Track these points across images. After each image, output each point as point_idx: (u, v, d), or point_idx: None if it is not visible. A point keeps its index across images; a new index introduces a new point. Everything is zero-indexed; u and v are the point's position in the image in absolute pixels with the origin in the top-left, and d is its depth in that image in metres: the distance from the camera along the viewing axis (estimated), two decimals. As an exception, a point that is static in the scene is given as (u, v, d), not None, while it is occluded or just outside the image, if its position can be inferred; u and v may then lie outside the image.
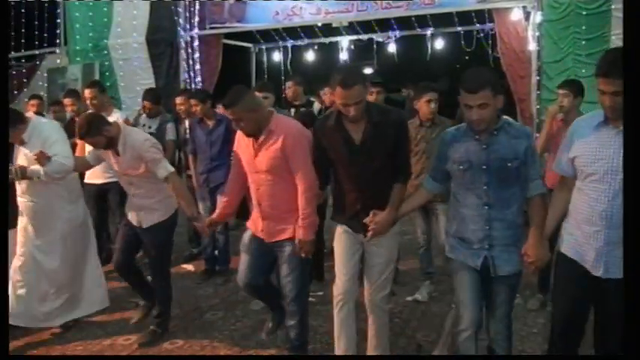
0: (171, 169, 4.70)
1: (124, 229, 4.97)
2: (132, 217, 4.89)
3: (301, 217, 3.99)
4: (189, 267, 6.82)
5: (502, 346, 3.54)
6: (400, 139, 3.83)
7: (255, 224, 4.25)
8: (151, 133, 6.77)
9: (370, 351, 4.08)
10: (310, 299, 5.62)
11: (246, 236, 4.33)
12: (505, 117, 3.48)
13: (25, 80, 12.38)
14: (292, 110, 6.90)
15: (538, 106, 8.14)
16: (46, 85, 11.79)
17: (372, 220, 3.79)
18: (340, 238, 4.03)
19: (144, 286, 5.12)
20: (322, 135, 3.93)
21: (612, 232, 3.07)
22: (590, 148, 3.15)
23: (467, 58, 12.25)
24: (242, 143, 4.19)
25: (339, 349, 4.04)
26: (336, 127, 3.83)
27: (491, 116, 3.32)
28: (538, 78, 8.17)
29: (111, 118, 6.46)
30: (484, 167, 3.40)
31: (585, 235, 3.19)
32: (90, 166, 5.27)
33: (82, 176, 6.42)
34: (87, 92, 6.69)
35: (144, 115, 7.11)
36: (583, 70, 7.66)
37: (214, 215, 4.54)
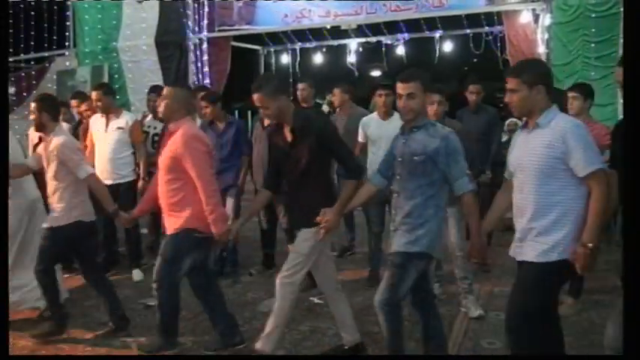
0: (91, 170, 4.86)
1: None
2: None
3: (207, 214, 4.26)
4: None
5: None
6: (326, 142, 4.07)
7: None
8: (156, 134, 6.81)
9: (268, 326, 4.29)
10: (319, 301, 5.64)
11: None
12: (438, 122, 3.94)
13: (34, 82, 12.42)
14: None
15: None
16: (55, 87, 11.82)
17: (322, 218, 4.03)
18: None
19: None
20: (270, 137, 4.39)
21: (522, 221, 3.43)
22: (512, 150, 3.59)
23: (475, 60, 12.24)
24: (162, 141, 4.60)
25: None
26: (276, 130, 4.28)
27: (418, 108, 3.76)
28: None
29: (121, 121, 6.51)
30: (400, 160, 3.86)
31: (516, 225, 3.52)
32: (29, 171, 5.27)
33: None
34: (93, 94, 6.73)
35: (150, 117, 7.11)
36: (592, 73, 7.65)
37: (135, 211, 4.83)
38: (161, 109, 4.45)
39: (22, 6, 12.33)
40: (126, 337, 4.98)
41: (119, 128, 6.54)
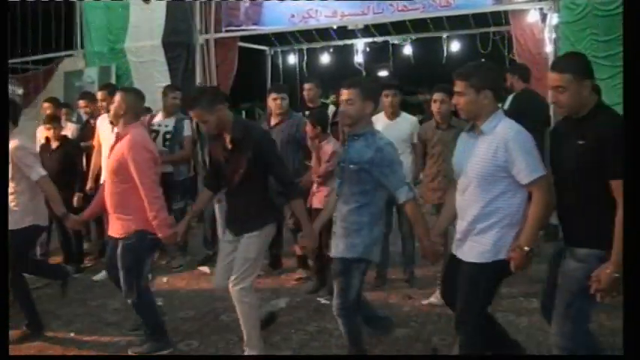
0: (43, 172, 4.85)
1: None
2: None
3: (151, 220, 4.37)
4: (205, 269, 6.82)
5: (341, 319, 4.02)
6: (262, 156, 4.14)
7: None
8: (167, 132, 6.81)
9: (243, 330, 4.35)
10: (326, 302, 5.64)
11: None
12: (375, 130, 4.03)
13: (42, 83, 12.47)
14: (307, 112, 6.89)
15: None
16: (62, 87, 11.86)
17: (301, 247, 4.46)
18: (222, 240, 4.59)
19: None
20: (211, 142, 4.49)
21: (463, 223, 3.57)
22: (456, 152, 3.69)
23: (483, 60, 12.21)
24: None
25: None
26: (217, 136, 4.30)
27: (355, 115, 3.86)
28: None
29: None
30: (342, 165, 3.99)
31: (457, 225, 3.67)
32: None
33: (97, 179, 6.46)
34: (99, 94, 6.76)
35: (159, 116, 7.11)
36: (600, 73, 7.60)
37: (84, 213, 4.96)
38: (111, 113, 4.65)
39: (29, 7, 12.38)
40: (132, 338, 4.99)
41: None
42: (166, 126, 6.91)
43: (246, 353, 4.37)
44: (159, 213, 4.37)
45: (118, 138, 4.53)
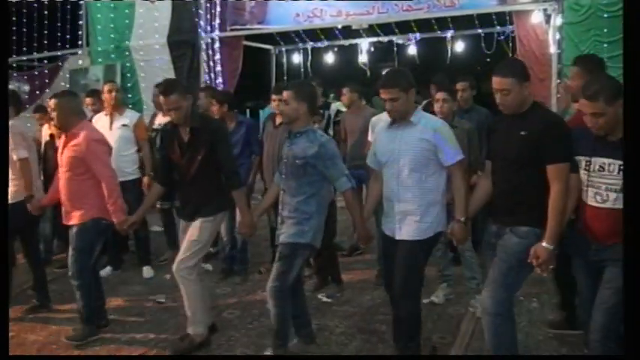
0: (23, 155, 5.32)
1: None
2: None
3: (109, 206, 4.77)
4: (208, 266, 6.84)
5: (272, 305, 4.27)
6: (217, 144, 4.53)
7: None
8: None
9: (187, 310, 4.68)
10: (327, 300, 5.67)
11: None
12: (316, 127, 4.43)
13: (47, 81, 12.50)
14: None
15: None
16: (68, 85, 11.89)
17: (240, 230, 4.72)
18: (182, 232, 4.75)
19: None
20: (164, 137, 4.83)
21: (401, 205, 4.01)
22: (381, 144, 4.16)
23: (488, 60, 12.21)
24: (60, 142, 5.02)
25: None
26: (172, 130, 4.68)
27: (293, 114, 4.20)
28: (558, 81, 8.11)
29: (125, 118, 6.57)
30: (285, 160, 4.29)
31: (388, 210, 4.13)
32: None
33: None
34: (105, 87, 6.82)
35: (160, 116, 7.14)
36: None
37: (43, 200, 5.34)
38: (54, 122, 5.05)
39: (35, 5, 12.42)
40: (135, 334, 5.03)
41: (123, 125, 6.61)
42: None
43: (189, 331, 4.68)
44: (117, 199, 4.79)
45: (71, 136, 4.85)
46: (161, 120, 7.03)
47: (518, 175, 3.59)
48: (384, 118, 5.91)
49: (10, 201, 5.11)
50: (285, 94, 4.26)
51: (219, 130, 4.70)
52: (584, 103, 3.32)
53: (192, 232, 4.57)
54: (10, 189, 5.23)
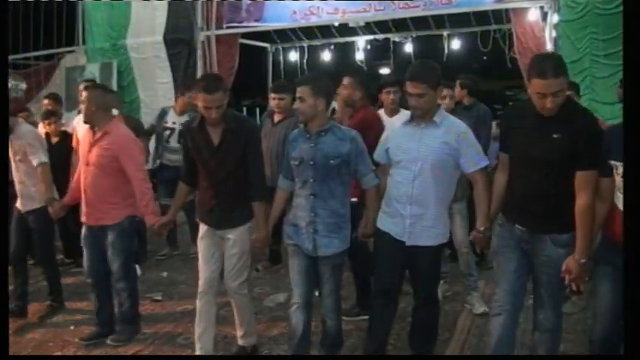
0: (44, 160, 5.24)
1: (14, 218, 5.40)
2: (18, 203, 5.43)
3: (142, 208, 4.67)
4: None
5: (331, 318, 4.13)
6: (250, 147, 4.21)
7: (83, 211, 4.85)
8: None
9: (237, 325, 4.58)
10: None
11: (84, 231, 4.90)
12: (334, 122, 4.07)
13: (44, 79, 12.49)
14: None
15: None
16: (64, 83, 11.89)
17: (255, 245, 4.33)
18: (202, 238, 4.42)
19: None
20: (188, 137, 4.36)
21: (414, 208, 3.81)
22: (398, 141, 3.94)
23: (485, 58, 12.24)
24: (85, 138, 4.85)
25: (198, 330, 4.42)
26: (199, 130, 4.25)
27: (310, 112, 3.88)
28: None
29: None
30: (311, 163, 3.91)
31: (396, 211, 3.90)
32: None
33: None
34: (82, 85, 6.81)
35: (171, 112, 7.16)
36: (600, 71, 7.62)
37: (65, 199, 5.12)
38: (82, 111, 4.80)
39: (31, 3, 12.40)
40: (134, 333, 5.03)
41: None
42: (182, 124, 6.96)
43: (242, 343, 4.58)
44: (150, 201, 4.68)
45: (97, 134, 4.69)
46: (175, 118, 7.02)
47: (550, 180, 3.38)
48: (381, 115, 5.95)
49: (38, 205, 5.27)
50: (300, 90, 3.91)
51: (255, 131, 4.39)
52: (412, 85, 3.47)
53: (232, 246, 4.31)
54: (33, 194, 5.30)
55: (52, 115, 6.85)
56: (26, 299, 5.41)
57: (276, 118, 6.29)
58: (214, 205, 4.29)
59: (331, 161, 3.86)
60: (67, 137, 6.85)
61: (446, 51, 11.65)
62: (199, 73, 11.00)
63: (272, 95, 6.30)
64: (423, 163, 3.77)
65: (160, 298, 5.82)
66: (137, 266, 6.50)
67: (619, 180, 3.20)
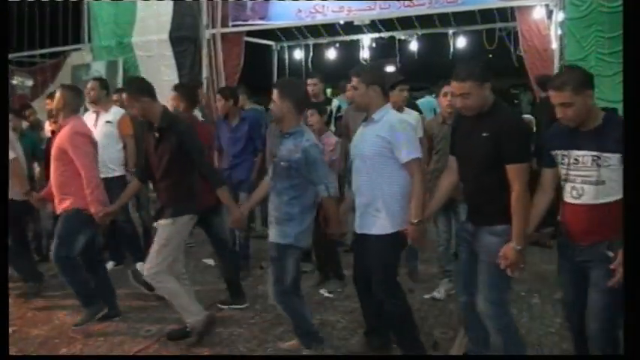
0: (12, 156, 5.43)
1: None
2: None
3: (87, 196, 4.88)
4: (210, 262, 6.87)
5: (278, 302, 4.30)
6: (188, 146, 4.54)
7: None
8: None
9: (178, 309, 4.74)
10: (329, 295, 5.69)
11: None
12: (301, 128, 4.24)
13: (50, 76, 12.53)
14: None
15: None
16: (70, 81, 11.92)
17: (233, 226, 4.88)
18: None
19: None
20: (145, 133, 4.82)
21: (361, 200, 4.07)
22: (354, 140, 4.25)
23: (490, 56, 12.20)
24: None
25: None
26: (148, 130, 4.71)
27: (278, 113, 4.17)
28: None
29: (109, 115, 6.60)
30: (275, 160, 4.25)
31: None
32: None
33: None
34: (114, 97, 7.06)
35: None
36: (605, 69, 7.60)
37: (42, 192, 5.45)
38: (53, 107, 5.33)
39: (37, 1, 12.44)
40: (137, 328, 5.05)
41: (107, 122, 6.59)
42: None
43: (189, 324, 4.70)
44: (94, 190, 4.90)
45: (59, 129, 5.14)
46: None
47: (485, 175, 3.59)
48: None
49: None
50: (273, 92, 4.19)
51: (187, 132, 4.63)
52: (552, 94, 3.27)
53: (157, 235, 4.65)
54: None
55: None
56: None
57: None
58: (158, 200, 4.86)
59: (282, 163, 4.15)
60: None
61: (451, 49, 11.64)
62: (205, 71, 11.03)
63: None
64: (364, 157, 4.04)
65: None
66: (141, 264, 6.54)
67: (562, 170, 3.36)
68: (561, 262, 3.59)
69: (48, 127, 7.24)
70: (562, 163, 3.37)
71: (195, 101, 6.46)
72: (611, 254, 3.16)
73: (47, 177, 6.36)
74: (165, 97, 7.42)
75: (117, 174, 6.55)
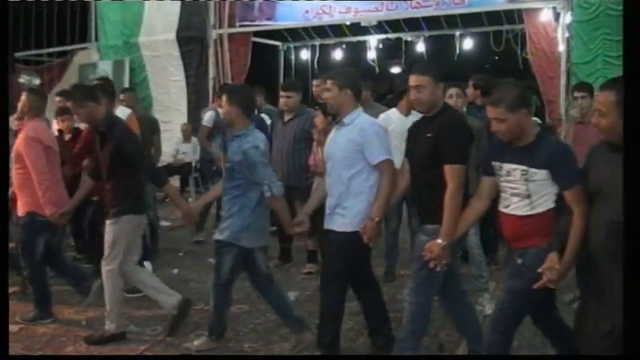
0: None
1: None
2: None
3: (40, 199, 4.96)
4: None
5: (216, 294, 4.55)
6: (125, 148, 4.66)
7: None
8: None
9: (107, 305, 4.81)
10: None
11: None
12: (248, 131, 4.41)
13: (57, 75, 12.56)
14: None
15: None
16: (77, 80, 11.96)
17: (184, 222, 5.25)
18: None
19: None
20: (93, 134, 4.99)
21: (330, 200, 4.21)
22: (327, 142, 4.39)
23: (496, 58, 12.21)
24: None
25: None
26: (94, 130, 4.90)
27: (227, 118, 4.44)
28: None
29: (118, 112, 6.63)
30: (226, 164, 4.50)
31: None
32: None
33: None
34: (121, 96, 7.01)
35: (211, 112, 7.27)
36: (613, 72, 7.58)
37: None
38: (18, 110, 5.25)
39: (45, 0, 12.47)
40: (143, 328, 5.06)
41: None
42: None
43: (106, 325, 4.80)
44: (45, 192, 4.96)
45: (19, 132, 5.25)
46: (216, 117, 7.17)
47: (426, 173, 3.81)
48: (396, 113, 5.92)
49: None
50: (222, 98, 4.49)
51: (122, 136, 4.74)
52: (488, 108, 3.42)
53: (105, 235, 4.79)
54: None
55: (65, 112, 6.89)
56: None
57: (286, 117, 6.33)
58: (105, 200, 4.90)
59: (227, 164, 4.43)
60: (79, 134, 6.89)
61: (458, 51, 11.64)
62: (211, 71, 11.05)
63: (280, 93, 6.35)
64: (335, 159, 4.18)
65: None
66: (148, 262, 6.57)
67: (503, 183, 3.47)
68: (507, 271, 3.75)
69: (55, 125, 7.26)
70: (498, 174, 3.50)
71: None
72: (519, 261, 3.41)
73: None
74: (172, 96, 7.51)
75: None
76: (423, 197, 3.88)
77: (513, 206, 3.41)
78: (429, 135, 3.76)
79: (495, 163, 3.52)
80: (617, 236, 2.91)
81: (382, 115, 5.91)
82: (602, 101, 3.02)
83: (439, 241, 3.62)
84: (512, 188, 3.40)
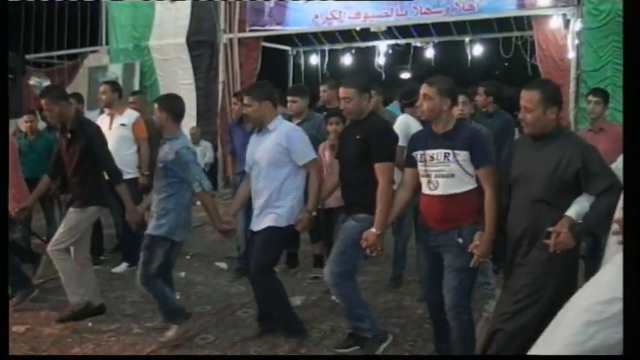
0: None
1: None
2: None
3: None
4: (223, 265, 6.89)
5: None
6: (94, 147, 5.13)
7: None
8: None
9: (65, 286, 5.26)
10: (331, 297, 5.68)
11: None
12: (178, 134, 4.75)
13: (67, 78, 12.62)
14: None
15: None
16: (87, 83, 12.01)
17: (130, 221, 5.23)
18: None
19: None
20: (59, 134, 5.36)
21: (259, 202, 4.63)
22: (250, 147, 4.81)
23: (506, 64, 12.20)
24: None
25: None
26: (63, 129, 5.25)
27: (158, 123, 4.77)
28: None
29: (124, 118, 6.67)
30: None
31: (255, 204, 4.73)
32: None
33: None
34: (130, 99, 7.17)
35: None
36: (622, 80, 7.56)
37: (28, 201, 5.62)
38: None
39: (56, 3, 12.54)
40: (149, 329, 5.07)
41: (122, 125, 6.67)
42: None
43: (70, 301, 5.22)
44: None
45: None
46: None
47: (355, 172, 4.29)
48: (413, 120, 5.89)
49: None
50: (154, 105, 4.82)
51: (95, 135, 5.20)
52: (423, 86, 3.87)
53: (65, 220, 5.19)
54: None
55: (31, 113, 7.00)
56: None
57: (294, 121, 6.32)
58: (71, 193, 5.34)
59: (159, 164, 4.72)
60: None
61: (467, 57, 11.63)
62: (221, 75, 11.08)
63: (288, 98, 6.36)
64: (261, 163, 4.59)
65: (177, 297, 5.85)
66: (125, 264, 6.60)
67: (421, 167, 3.85)
68: (418, 245, 4.14)
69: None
70: (421, 162, 3.85)
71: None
72: (460, 240, 3.73)
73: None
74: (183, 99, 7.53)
75: (130, 177, 6.53)
76: (353, 193, 4.37)
77: (442, 188, 3.75)
78: (358, 137, 4.25)
79: (417, 152, 3.88)
80: (537, 214, 3.41)
81: (402, 119, 5.83)
82: (529, 99, 3.42)
83: (373, 230, 4.07)
84: (437, 171, 3.76)
